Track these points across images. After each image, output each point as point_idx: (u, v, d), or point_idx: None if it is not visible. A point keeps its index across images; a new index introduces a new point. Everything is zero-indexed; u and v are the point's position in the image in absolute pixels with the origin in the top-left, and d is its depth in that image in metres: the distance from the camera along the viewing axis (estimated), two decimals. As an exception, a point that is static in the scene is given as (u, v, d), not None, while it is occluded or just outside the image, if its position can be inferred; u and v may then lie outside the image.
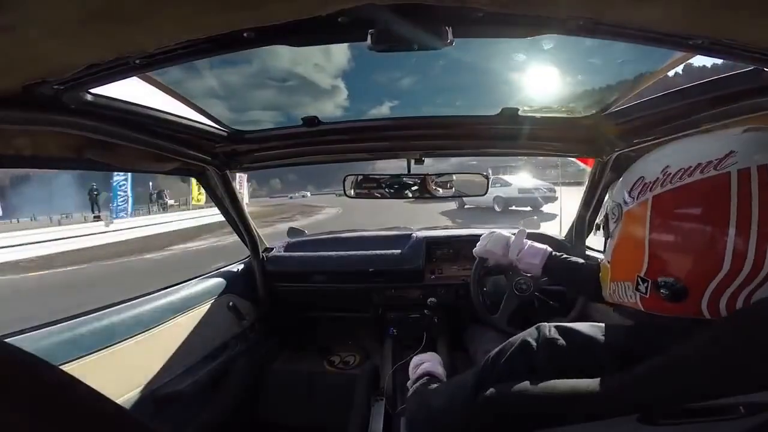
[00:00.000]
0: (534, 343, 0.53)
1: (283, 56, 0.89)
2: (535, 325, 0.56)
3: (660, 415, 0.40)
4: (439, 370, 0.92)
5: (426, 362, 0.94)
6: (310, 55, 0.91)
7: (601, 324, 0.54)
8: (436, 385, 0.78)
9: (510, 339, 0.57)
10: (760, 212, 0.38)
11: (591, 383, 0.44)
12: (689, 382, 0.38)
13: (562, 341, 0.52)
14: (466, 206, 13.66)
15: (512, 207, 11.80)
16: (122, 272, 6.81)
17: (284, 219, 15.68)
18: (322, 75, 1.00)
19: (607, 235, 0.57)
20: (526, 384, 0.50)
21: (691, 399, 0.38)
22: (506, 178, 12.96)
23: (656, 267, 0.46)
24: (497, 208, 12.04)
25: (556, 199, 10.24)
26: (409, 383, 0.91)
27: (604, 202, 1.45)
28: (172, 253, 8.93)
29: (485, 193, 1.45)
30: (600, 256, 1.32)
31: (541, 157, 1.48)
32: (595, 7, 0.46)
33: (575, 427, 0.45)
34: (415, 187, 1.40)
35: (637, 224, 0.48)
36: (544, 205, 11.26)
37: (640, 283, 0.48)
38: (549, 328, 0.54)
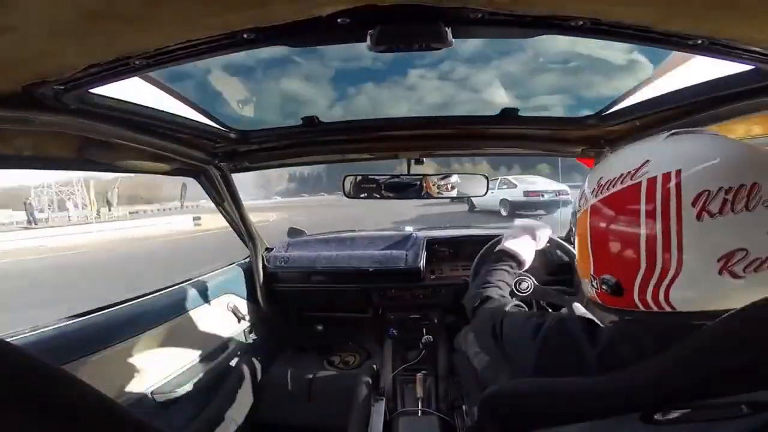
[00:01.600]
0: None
1: (285, 56, 0.89)
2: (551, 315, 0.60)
3: (660, 414, 0.40)
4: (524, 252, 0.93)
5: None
6: (310, 55, 0.91)
7: (593, 319, 0.56)
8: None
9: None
10: (662, 216, 0.44)
11: (590, 382, 0.44)
12: (689, 381, 0.38)
13: (558, 331, 0.55)
14: (476, 209, 12.36)
15: (520, 212, 10.45)
16: None
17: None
18: (322, 75, 1.01)
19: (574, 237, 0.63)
20: (523, 382, 0.51)
21: (692, 398, 0.38)
22: (512, 178, 11.75)
23: (598, 267, 0.53)
24: (503, 212, 11.01)
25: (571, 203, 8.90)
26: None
27: None
28: None
29: (485, 194, 1.44)
30: None
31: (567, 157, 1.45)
32: (595, 7, 0.46)
33: (575, 426, 0.45)
34: (415, 188, 1.39)
35: (584, 229, 0.55)
36: (560, 209, 9.49)
37: (592, 280, 0.54)
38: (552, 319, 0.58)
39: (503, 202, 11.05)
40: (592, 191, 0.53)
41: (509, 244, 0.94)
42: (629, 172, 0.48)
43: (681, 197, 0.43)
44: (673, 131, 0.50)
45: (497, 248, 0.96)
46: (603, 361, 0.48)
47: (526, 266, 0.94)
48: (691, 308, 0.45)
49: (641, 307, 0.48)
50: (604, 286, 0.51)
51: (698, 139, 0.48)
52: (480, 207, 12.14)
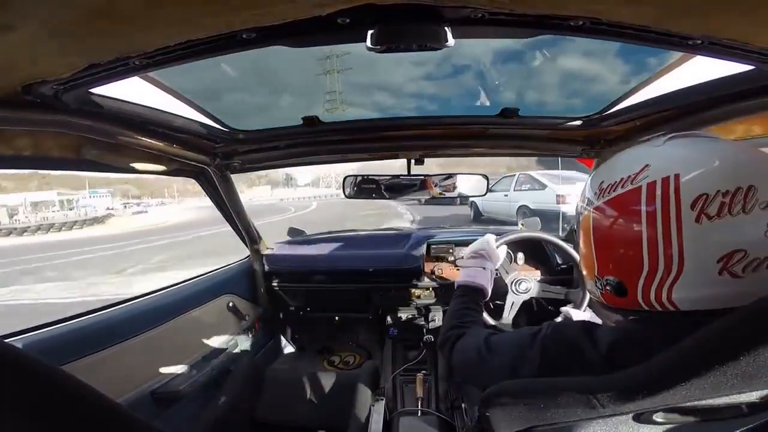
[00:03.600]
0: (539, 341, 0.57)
1: (284, 56, 0.89)
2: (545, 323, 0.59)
3: (657, 414, 0.40)
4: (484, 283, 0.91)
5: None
6: (311, 56, 0.91)
7: (596, 322, 0.56)
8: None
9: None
10: (662, 220, 0.45)
11: (589, 381, 0.44)
12: (689, 381, 0.38)
13: (555, 340, 0.55)
14: (483, 216, 9.08)
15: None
16: None
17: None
18: (323, 75, 1.00)
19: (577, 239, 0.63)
20: (524, 381, 0.51)
21: (691, 398, 0.38)
22: (539, 175, 7.65)
23: (602, 268, 0.54)
24: (520, 224, 3.28)
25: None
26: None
27: None
28: None
29: (485, 194, 1.44)
30: None
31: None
32: (595, 7, 0.46)
33: (574, 425, 0.45)
34: (415, 188, 1.39)
35: (586, 232, 0.56)
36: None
37: (597, 281, 0.55)
38: (547, 326, 0.57)
39: (522, 210, 7.46)
40: (594, 194, 0.54)
41: (464, 278, 0.93)
42: (629, 177, 0.49)
43: (680, 201, 0.44)
44: (672, 135, 0.51)
45: (456, 284, 0.95)
46: (609, 361, 0.48)
47: (488, 293, 0.92)
48: (693, 308, 0.45)
49: (645, 308, 0.49)
50: (608, 287, 0.52)
51: (696, 143, 0.49)
52: (489, 214, 8.87)
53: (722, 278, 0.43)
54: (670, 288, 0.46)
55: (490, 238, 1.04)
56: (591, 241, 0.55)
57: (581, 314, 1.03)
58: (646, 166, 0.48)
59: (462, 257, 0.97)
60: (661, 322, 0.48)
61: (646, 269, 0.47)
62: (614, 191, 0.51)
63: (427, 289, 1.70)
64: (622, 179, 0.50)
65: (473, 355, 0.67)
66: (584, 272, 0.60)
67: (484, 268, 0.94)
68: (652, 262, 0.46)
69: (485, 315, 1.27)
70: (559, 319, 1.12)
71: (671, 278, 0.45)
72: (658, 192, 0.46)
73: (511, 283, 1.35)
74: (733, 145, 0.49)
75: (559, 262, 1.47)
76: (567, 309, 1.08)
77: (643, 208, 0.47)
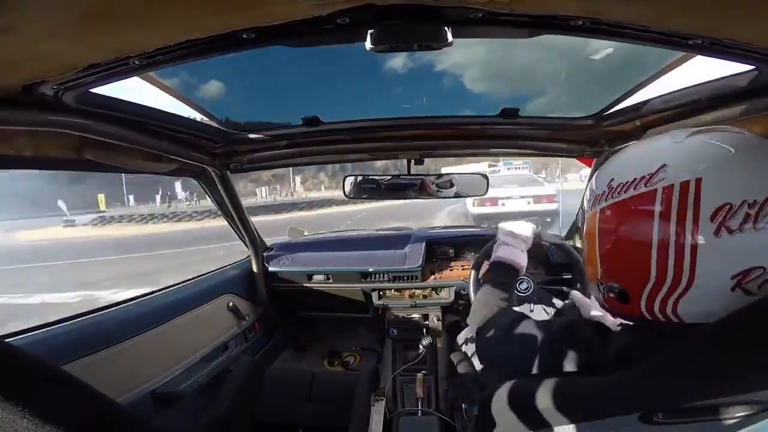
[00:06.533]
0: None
1: (285, 56, 0.89)
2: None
3: (660, 414, 0.40)
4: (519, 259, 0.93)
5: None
6: (311, 55, 0.91)
7: (602, 323, 0.55)
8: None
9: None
10: (677, 228, 0.41)
11: (592, 381, 0.44)
12: (689, 382, 0.38)
13: (565, 338, 0.54)
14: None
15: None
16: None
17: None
18: (323, 75, 1.00)
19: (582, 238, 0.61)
20: (526, 381, 0.51)
21: (692, 398, 0.38)
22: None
23: (606, 272, 0.50)
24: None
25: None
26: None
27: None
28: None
29: (485, 194, 1.44)
30: None
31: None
32: (595, 7, 0.46)
33: (575, 426, 0.45)
34: (415, 188, 1.39)
35: (591, 233, 0.52)
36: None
37: (600, 285, 0.52)
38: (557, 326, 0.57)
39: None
40: (603, 193, 0.49)
41: (501, 254, 0.94)
42: (643, 177, 0.44)
43: (699, 211, 0.39)
44: (696, 129, 0.45)
45: (491, 260, 0.96)
46: (618, 362, 0.47)
47: (523, 271, 0.94)
48: (698, 321, 0.42)
49: (647, 317, 0.46)
50: (611, 294, 0.49)
51: (722, 141, 0.42)
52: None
53: (734, 294, 0.39)
54: (676, 301, 0.42)
55: (531, 226, 1.03)
56: (596, 244, 0.50)
57: (589, 301, 1.04)
58: (664, 165, 0.42)
59: (502, 233, 0.98)
60: (664, 331, 0.46)
61: (653, 280, 0.43)
62: (625, 192, 0.45)
63: (427, 289, 1.70)
64: (635, 180, 0.44)
65: (500, 333, 0.68)
66: (587, 274, 0.58)
67: (522, 251, 0.95)
68: (660, 274, 0.42)
69: None
70: (568, 302, 1.15)
71: (679, 291, 0.42)
72: (675, 198, 0.41)
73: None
74: (765, 144, 0.42)
75: (559, 261, 1.47)
76: (576, 293, 1.09)
77: (656, 214, 0.42)
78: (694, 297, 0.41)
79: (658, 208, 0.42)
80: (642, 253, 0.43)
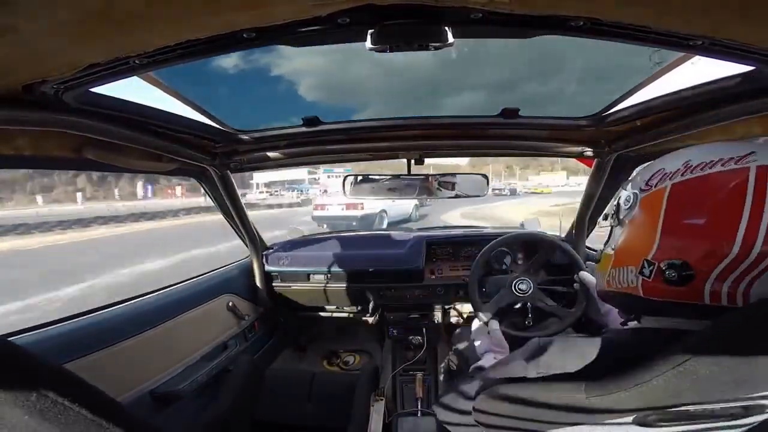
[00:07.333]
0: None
1: (285, 56, 0.89)
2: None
3: (657, 418, 0.40)
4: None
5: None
6: (311, 55, 0.91)
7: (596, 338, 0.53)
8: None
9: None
10: None
11: (589, 386, 0.44)
12: (686, 385, 0.38)
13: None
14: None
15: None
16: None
17: None
18: (323, 75, 1.00)
19: (616, 224, 0.59)
20: (523, 386, 0.51)
21: (689, 402, 0.38)
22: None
23: (666, 250, 0.48)
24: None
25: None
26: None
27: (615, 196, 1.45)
28: None
29: (485, 194, 1.44)
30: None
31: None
32: (595, 7, 0.46)
33: (574, 428, 0.45)
34: (415, 188, 1.40)
35: (653, 210, 0.50)
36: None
37: (646, 266, 0.50)
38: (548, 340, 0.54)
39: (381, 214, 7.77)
40: (677, 170, 0.48)
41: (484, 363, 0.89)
42: (732, 158, 0.44)
43: None
44: None
45: (474, 365, 0.89)
46: (617, 364, 0.45)
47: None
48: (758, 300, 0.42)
49: (707, 300, 0.45)
50: (669, 273, 0.47)
51: None
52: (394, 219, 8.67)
53: None
54: (752, 280, 0.42)
55: (493, 324, 1.02)
56: (657, 221, 0.49)
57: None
58: (753, 152, 0.43)
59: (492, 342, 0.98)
60: (677, 332, 0.45)
61: (734, 255, 0.42)
62: (710, 168, 0.45)
63: (427, 289, 1.71)
64: (721, 159, 0.45)
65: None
66: (615, 260, 0.56)
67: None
68: (744, 250, 0.41)
69: (481, 314, 1.28)
70: (576, 286, 1.17)
71: (759, 270, 0.41)
72: None
73: (511, 283, 1.35)
74: None
75: (559, 262, 1.47)
76: (584, 274, 1.11)
77: (750, 190, 0.42)
78: None
79: (752, 182, 0.42)
80: (726, 229, 0.43)
